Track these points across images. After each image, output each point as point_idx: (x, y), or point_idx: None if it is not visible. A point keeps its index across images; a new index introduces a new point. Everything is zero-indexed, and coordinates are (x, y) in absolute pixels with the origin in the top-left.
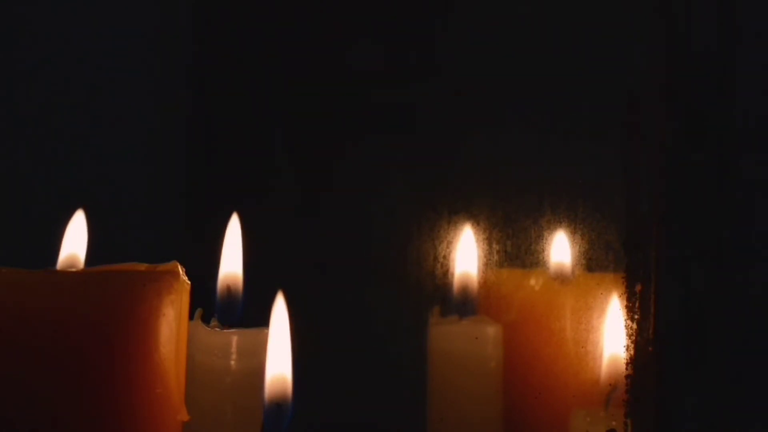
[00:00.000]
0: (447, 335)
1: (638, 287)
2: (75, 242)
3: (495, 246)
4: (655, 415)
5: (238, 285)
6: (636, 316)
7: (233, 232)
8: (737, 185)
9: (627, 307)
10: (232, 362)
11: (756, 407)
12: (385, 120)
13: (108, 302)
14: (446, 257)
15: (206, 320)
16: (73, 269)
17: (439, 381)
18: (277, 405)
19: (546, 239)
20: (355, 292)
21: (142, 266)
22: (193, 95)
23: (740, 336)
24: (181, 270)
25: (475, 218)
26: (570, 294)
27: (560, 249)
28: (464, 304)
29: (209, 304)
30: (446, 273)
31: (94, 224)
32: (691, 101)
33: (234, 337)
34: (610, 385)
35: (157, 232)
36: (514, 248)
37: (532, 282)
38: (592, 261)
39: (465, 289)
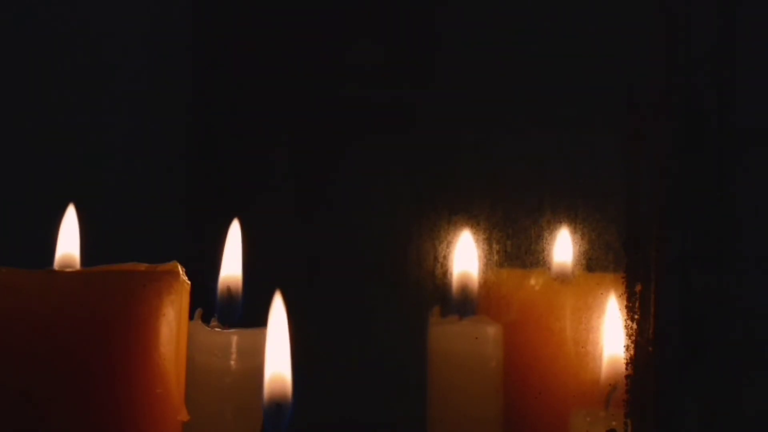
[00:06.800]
0: (447, 335)
1: (638, 287)
2: (69, 241)
3: (495, 246)
4: (655, 415)
5: (238, 285)
6: (636, 316)
7: (233, 233)
8: (737, 185)
9: (627, 307)
10: (232, 362)
11: (755, 408)
12: (385, 120)
13: (108, 302)
14: (446, 257)
15: (206, 320)
16: (72, 269)
17: (439, 381)
18: (277, 405)
19: (546, 239)
20: (354, 292)
21: (142, 266)
22: (192, 93)
23: (740, 336)
24: (181, 270)
25: (475, 218)
26: (570, 294)
27: (561, 249)
28: (464, 304)
29: (209, 304)
30: (446, 273)
31: (95, 224)
32: (691, 101)
33: (234, 337)
34: (610, 385)
35: (157, 232)
36: (514, 248)
37: (532, 282)
38: (592, 261)
39: (465, 289)
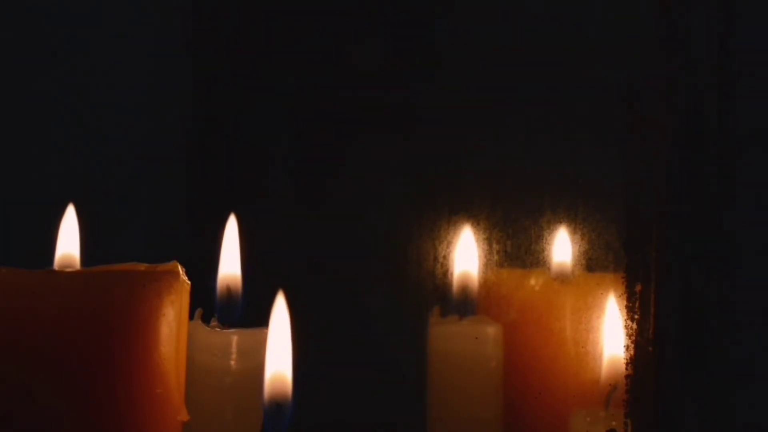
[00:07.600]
0: (447, 335)
1: (638, 287)
2: (69, 241)
3: (495, 246)
4: (655, 415)
5: (237, 285)
6: (636, 316)
7: (231, 232)
8: (737, 185)
9: (627, 307)
10: (232, 362)
11: (756, 408)
12: (385, 120)
13: (108, 302)
14: (446, 257)
15: (206, 320)
16: (72, 269)
17: (439, 381)
18: (277, 405)
19: (546, 239)
20: (354, 292)
21: (142, 266)
22: (192, 93)
23: (740, 336)
24: (181, 270)
25: (475, 218)
26: (570, 294)
27: (560, 249)
28: (464, 304)
29: (209, 304)
30: (446, 273)
31: (95, 224)
32: (691, 101)
33: (234, 337)
34: (610, 385)
35: (157, 232)
36: (514, 248)
37: (532, 282)
38: (592, 261)
39: (465, 289)
